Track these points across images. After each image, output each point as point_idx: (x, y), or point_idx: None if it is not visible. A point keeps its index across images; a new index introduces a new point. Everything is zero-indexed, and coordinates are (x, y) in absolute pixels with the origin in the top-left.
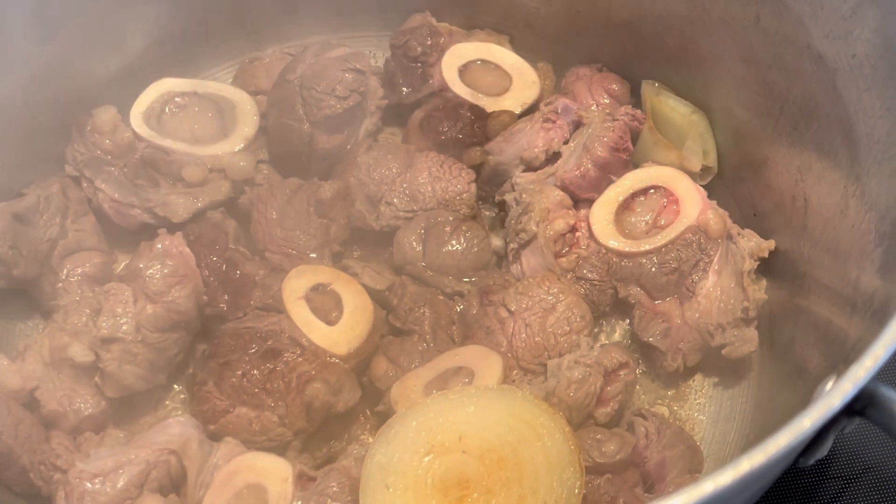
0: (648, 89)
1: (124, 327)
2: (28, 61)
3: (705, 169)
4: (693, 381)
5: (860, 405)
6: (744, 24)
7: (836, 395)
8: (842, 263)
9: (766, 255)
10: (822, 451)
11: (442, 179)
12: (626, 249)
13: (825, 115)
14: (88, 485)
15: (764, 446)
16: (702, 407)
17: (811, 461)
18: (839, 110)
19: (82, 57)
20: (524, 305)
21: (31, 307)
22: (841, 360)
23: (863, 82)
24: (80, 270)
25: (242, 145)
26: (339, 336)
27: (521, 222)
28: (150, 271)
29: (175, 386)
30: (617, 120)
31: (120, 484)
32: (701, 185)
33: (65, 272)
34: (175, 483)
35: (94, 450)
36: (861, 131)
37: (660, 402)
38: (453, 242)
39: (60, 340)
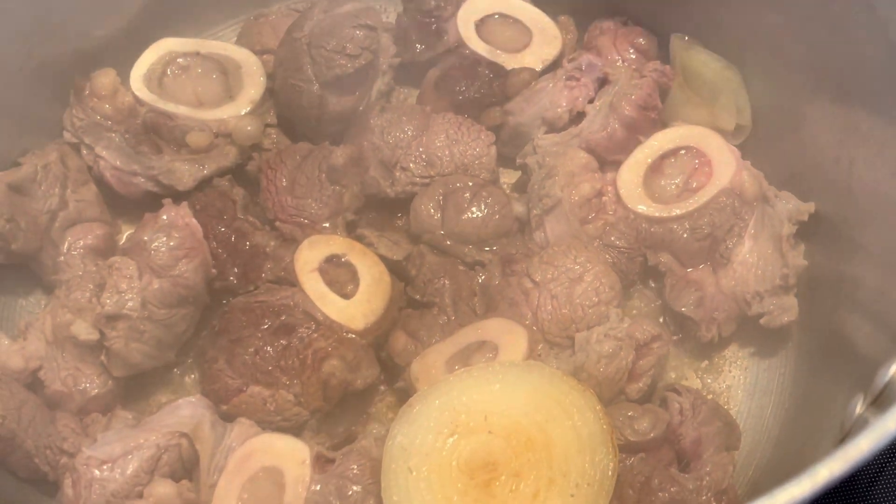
0: (678, 43)
1: (129, 304)
2: (21, 22)
3: (739, 128)
4: (728, 352)
5: None
6: None
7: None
8: None
9: (805, 218)
10: None
11: (460, 142)
12: (656, 215)
13: (875, 71)
14: (97, 472)
15: (844, 452)
16: (737, 379)
17: None
18: (892, 65)
19: (78, 16)
20: (549, 275)
21: (33, 282)
22: None
23: None
24: (81, 243)
25: (249, 108)
26: (356, 310)
27: (544, 187)
28: (156, 244)
29: (186, 362)
30: (645, 76)
31: (129, 470)
32: (734, 145)
33: (66, 245)
34: (187, 467)
35: (102, 434)
36: None
37: (693, 374)
38: (473, 209)
39: (63, 318)
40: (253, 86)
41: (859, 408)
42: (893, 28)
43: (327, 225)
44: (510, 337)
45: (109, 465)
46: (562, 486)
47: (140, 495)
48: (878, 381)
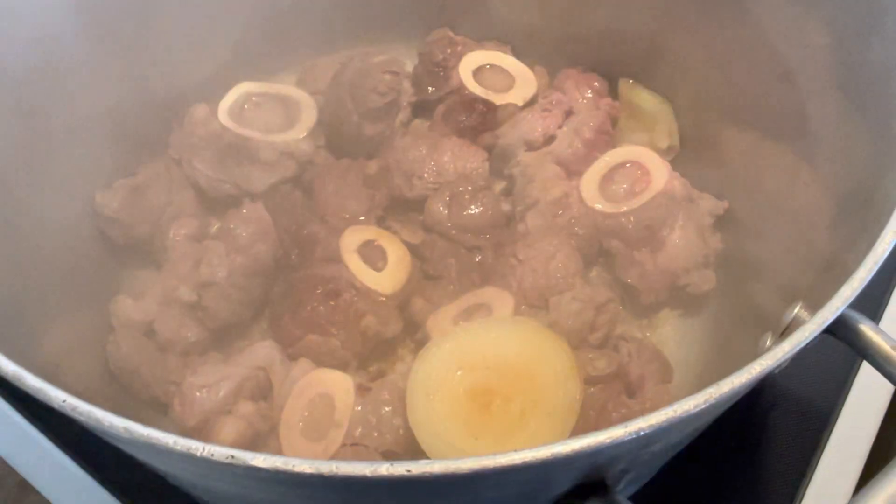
0: (624, 85)
1: (219, 274)
2: (138, 69)
3: (670, 147)
4: (662, 312)
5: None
6: (706, 31)
7: (815, 323)
8: (793, 223)
9: (721, 212)
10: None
11: (461, 158)
12: (609, 211)
13: (779, 109)
14: (197, 394)
15: (749, 369)
16: (669, 333)
17: (777, 370)
18: (794, 103)
19: (179, 66)
20: (530, 255)
21: (147, 259)
22: (800, 298)
23: (817, 78)
24: (183, 231)
25: (305, 133)
26: (385, 280)
27: (525, 191)
28: (238, 231)
29: (261, 318)
30: (599, 109)
31: (221, 393)
32: (667, 160)
33: (171, 233)
34: (263, 393)
35: (201, 367)
36: (814, 123)
37: (636, 329)
38: (472, 207)
39: (170, 284)
40: (308, 117)
41: (769, 342)
42: (795, 74)
43: (363, 218)
44: (501, 301)
45: (206, 389)
46: (542, 408)
47: (229, 412)
48: (784, 320)
